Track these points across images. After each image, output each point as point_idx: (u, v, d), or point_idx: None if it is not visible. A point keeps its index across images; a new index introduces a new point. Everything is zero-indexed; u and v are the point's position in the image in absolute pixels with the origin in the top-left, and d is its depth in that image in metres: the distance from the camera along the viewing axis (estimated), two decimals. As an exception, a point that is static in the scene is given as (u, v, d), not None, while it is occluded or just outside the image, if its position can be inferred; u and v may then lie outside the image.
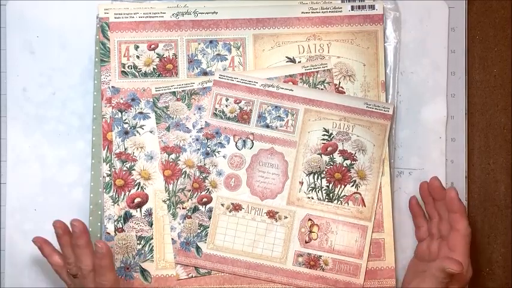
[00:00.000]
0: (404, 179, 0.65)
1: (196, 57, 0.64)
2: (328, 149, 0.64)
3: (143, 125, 0.63)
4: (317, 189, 0.63)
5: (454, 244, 0.58)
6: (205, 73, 0.64)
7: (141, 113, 0.63)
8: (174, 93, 0.63)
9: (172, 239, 0.62)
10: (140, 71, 0.63)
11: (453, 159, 0.66)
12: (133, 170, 0.63)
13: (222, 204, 0.63)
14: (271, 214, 0.63)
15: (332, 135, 0.64)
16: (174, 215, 0.63)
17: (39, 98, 0.64)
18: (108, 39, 0.63)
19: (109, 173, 0.63)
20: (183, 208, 0.63)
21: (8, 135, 0.64)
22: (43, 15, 0.64)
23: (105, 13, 0.63)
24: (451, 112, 0.66)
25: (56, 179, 0.64)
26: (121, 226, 0.62)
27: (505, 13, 0.67)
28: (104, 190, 0.62)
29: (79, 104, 0.64)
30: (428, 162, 0.65)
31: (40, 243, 0.59)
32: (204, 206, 0.63)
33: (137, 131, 0.63)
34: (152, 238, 0.63)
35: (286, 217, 0.63)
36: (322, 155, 0.64)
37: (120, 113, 0.63)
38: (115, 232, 0.62)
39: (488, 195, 0.66)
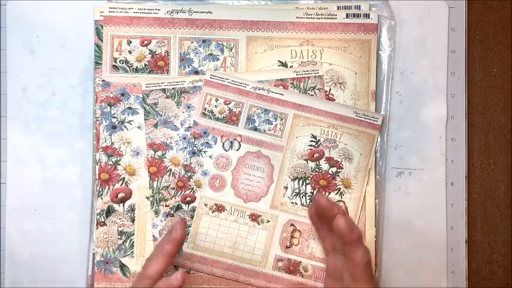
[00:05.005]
0: (404, 179, 0.65)
1: (188, 56, 0.63)
2: (314, 155, 0.63)
3: (131, 121, 0.63)
4: (301, 195, 0.63)
5: (354, 273, 0.54)
6: (196, 72, 0.64)
7: (130, 108, 0.63)
8: (164, 90, 0.63)
9: (153, 235, 0.62)
10: (131, 66, 0.63)
11: (453, 159, 0.65)
12: (119, 164, 0.63)
13: (206, 205, 0.63)
14: (254, 217, 0.63)
15: (319, 142, 0.63)
16: (156, 212, 0.63)
17: (39, 98, 0.64)
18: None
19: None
20: (166, 206, 0.63)
21: (8, 135, 0.64)
22: (43, 15, 0.64)
23: (100, 15, 0.63)
24: (451, 112, 0.66)
25: (56, 179, 0.64)
26: (103, 220, 0.62)
27: (505, 13, 0.67)
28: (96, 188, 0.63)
29: (79, 104, 0.64)
30: (428, 162, 0.65)
31: (183, 227, 0.57)
32: (187, 205, 0.63)
33: (125, 126, 0.63)
34: (133, 234, 0.63)
35: (268, 221, 0.63)
36: (309, 161, 0.63)
37: (109, 107, 0.63)
38: (97, 226, 0.62)
39: (488, 195, 0.66)
